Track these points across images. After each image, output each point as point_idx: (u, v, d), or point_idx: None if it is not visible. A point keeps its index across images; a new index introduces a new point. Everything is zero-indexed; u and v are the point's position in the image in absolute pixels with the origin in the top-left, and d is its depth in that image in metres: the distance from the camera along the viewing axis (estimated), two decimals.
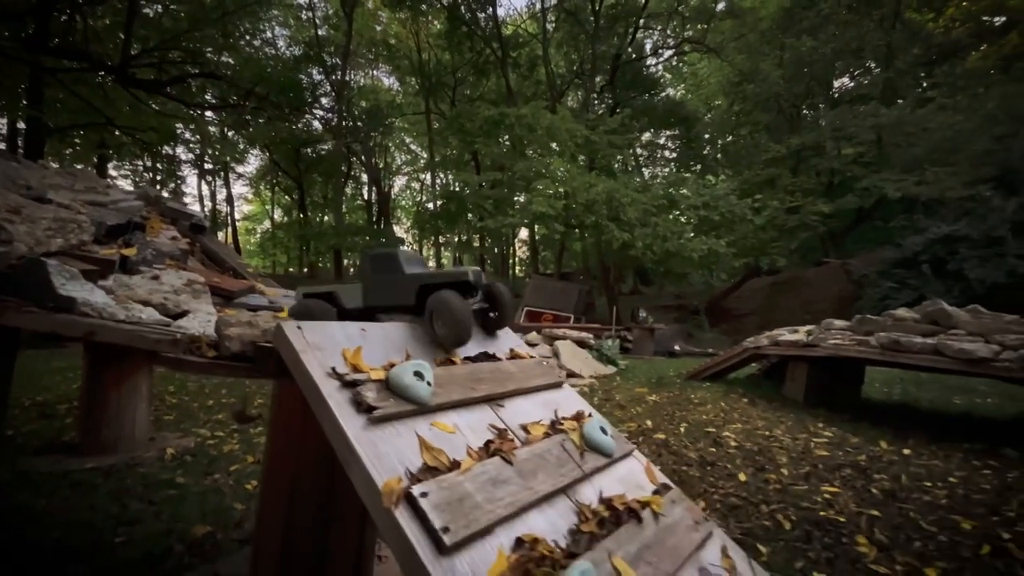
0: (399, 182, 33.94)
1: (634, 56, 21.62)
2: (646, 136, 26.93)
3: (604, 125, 15.76)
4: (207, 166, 28.30)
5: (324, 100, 23.88)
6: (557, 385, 1.63)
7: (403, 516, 0.87)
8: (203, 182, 30.03)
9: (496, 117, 13.21)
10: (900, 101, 19.31)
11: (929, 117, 17.36)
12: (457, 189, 16.47)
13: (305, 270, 30.30)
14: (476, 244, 26.56)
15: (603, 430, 1.40)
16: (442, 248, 31.60)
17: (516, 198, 16.25)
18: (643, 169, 26.04)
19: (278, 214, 35.05)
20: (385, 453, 0.98)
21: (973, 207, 15.07)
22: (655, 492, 1.32)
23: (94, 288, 1.43)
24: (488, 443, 1.16)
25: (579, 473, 1.22)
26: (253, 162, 29.93)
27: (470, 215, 17.46)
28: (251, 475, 3.57)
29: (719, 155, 25.50)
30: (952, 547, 2.41)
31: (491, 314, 1.69)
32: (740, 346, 6.95)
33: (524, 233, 27.55)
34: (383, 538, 0.96)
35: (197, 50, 15.81)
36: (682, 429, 4.70)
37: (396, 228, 33.16)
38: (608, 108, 20.16)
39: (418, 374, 1.17)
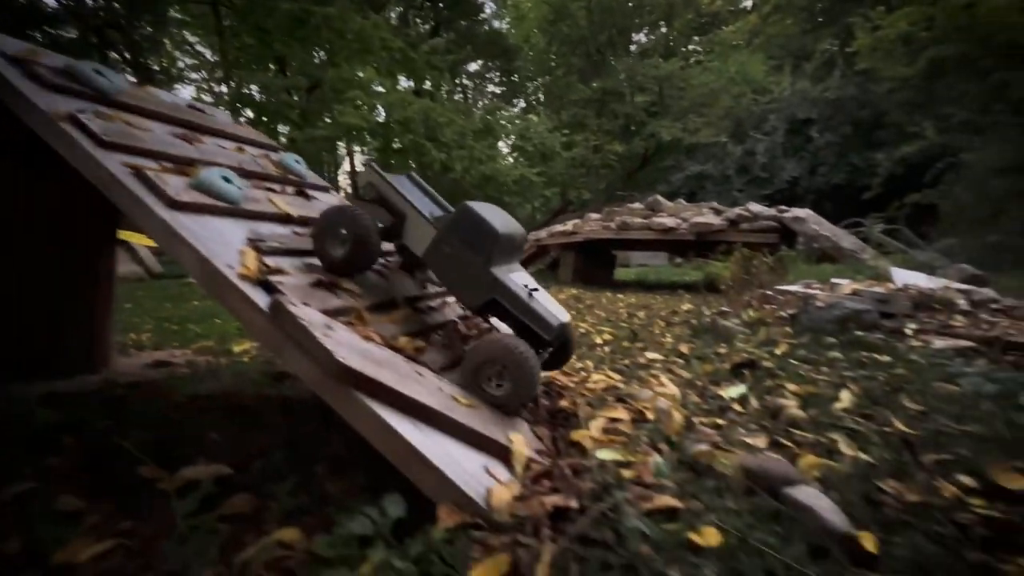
0: (186, 91, 28.17)
1: None
2: (473, 67, 27.03)
3: (426, 46, 15.43)
4: None
5: None
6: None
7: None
8: None
9: (298, 13, 11.90)
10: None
11: (694, 75, 21.03)
12: (255, 95, 14.57)
13: None
14: None
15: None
16: None
17: (334, 115, 15.10)
18: (470, 102, 26.26)
19: None
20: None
21: (716, 151, 19.08)
22: None
23: None
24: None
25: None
26: None
27: (280, 127, 15.71)
28: None
29: (540, 94, 27.15)
30: (641, 329, 3.55)
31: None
32: (527, 242, 8.15)
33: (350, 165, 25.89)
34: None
35: None
36: None
37: None
38: (430, 28, 19.63)
39: None
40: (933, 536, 0.90)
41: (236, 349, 2.48)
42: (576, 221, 7.46)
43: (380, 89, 14.16)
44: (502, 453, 0.99)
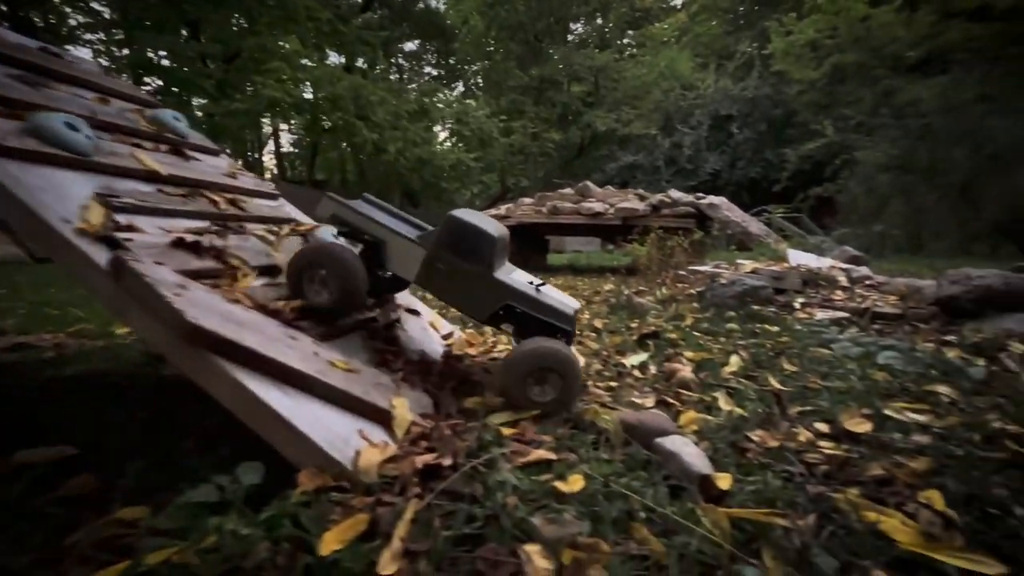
0: (80, 54, 24.92)
1: None
2: (409, 47, 26.21)
3: (358, 20, 14.72)
4: None
5: None
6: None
7: None
8: None
9: None
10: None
11: (627, 68, 21.64)
12: (164, 62, 13.08)
13: None
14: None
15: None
16: None
17: (255, 88, 14.00)
18: (406, 82, 25.47)
19: None
20: None
21: (647, 143, 19.83)
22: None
23: None
24: None
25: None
26: None
27: (195, 99, 14.41)
28: None
29: (479, 79, 26.81)
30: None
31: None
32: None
33: (282, 144, 24.27)
34: None
35: None
36: None
37: None
38: (362, 1, 18.70)
39: None
40: (783, 474, 0.99)
41: (119, 331, 2.25)
42: (509, 206, 7.48)
43: (307, 63, 13.34)
44: (382, 417, 0.96)
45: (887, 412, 1.28)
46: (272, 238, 1.33)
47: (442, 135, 21.02)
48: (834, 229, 8.40)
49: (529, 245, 7.49)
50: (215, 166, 1.61)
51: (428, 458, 0.85)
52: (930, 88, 8.16)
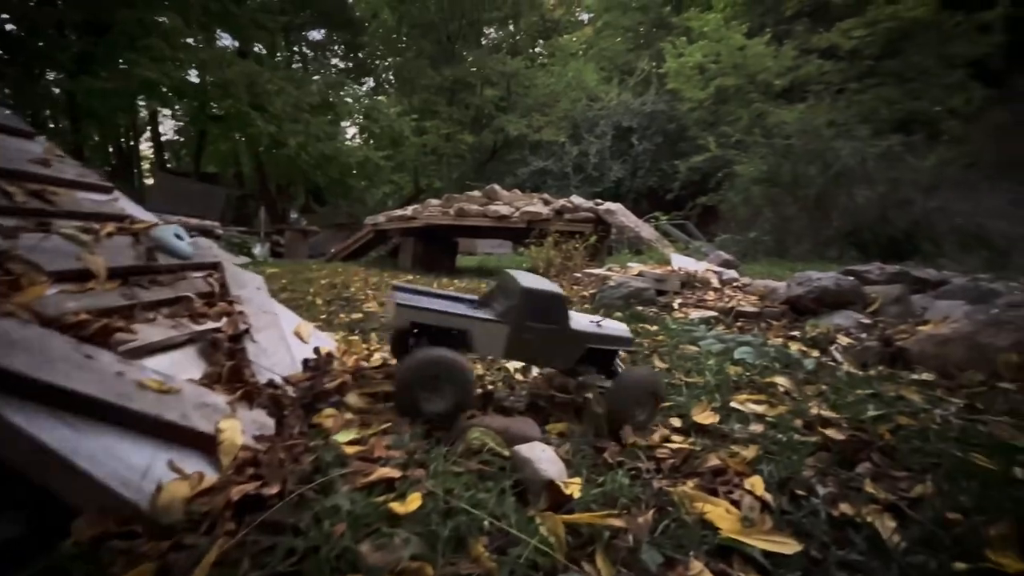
0: None
1: None
2: (315, 36, 24.76)
3: (254, 1, 13.56)
4: None
5: None
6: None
7: None
8: None
9: None
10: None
11: (538, 76, 22.29)
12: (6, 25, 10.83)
13: None
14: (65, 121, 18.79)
15: None
16: None
17: (130, 68, 12.24)
18: (311, 73, 24.04)
19: None
20: None
21: (556, 150, 20.52)
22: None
23: None
24: None
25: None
26: None
27: (49, 74, 12.39)
28: None
29: (391, 75, 26.03)
30: None
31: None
32: (364, 226, 7.72)
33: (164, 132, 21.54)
34: None
35: None
36: (283, 282, 4.98)
37: None
38: None
39: None
40: (632, 472, 1.03)
41: None
42: (416, 207, 7.31)
43: (191, 43, 12.03)
44: (204, 443, 0.84)
45: (733, 404, 1.40)
46: (86, 237, 1.13)
47: (351, 131, 20.13)
48: (717, 235, 9.29)
49: (436, 247, 7.38)
50: (22, 150, 1.35)
51: (250, 487, 0.76)
52: (792, 113, 9.35)
